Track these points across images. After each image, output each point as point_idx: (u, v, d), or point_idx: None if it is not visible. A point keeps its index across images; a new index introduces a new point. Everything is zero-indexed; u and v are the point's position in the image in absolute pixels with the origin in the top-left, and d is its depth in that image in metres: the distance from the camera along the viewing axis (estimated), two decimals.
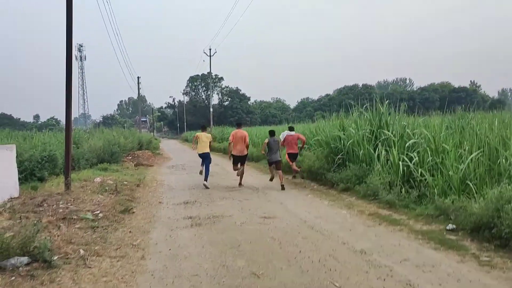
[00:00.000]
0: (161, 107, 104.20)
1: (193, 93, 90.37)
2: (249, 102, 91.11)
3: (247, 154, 10.60)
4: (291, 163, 10.97)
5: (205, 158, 10.42)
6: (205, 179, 10.12)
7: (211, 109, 35.01)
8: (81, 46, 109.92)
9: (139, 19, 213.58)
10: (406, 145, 8.23)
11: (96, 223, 5.76)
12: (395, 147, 8.23)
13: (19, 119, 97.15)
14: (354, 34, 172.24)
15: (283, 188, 9.52)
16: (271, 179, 10.29)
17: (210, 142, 10.58)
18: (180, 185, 10.67)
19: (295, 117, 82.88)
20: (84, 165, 12.61)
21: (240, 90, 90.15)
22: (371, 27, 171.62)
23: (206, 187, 9.97)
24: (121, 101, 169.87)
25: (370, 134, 9.38)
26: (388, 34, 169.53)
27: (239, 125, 11.00)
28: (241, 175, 10.41)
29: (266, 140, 10.26)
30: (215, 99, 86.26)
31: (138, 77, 42.62)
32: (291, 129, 11.61)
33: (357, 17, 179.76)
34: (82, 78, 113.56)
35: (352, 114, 10.66)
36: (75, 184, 8.63)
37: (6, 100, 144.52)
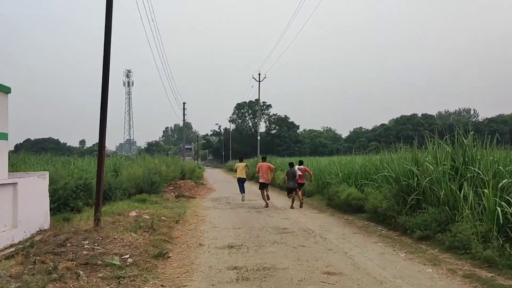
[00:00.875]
0: (207, 135, 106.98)
1: (240, 121, 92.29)
2: (297, 131, 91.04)
3: (270, 181, 14.72)
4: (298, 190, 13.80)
5: (242, 182, 15.37)
6: (242, 192, 15.10)
7: (259, 137, 34.40)
8: (129, 72, 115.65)
9: (186, 46, 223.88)
10: (500, 185, 7.05)
11: (123, 271, 5.10)
12: (487, 188, 7.04)
13: (66, 143, 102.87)
14: (411, 62, 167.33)
15: (301, 205, 13.28)
16: (292, 207, 13.26)
17: (246, 170, 15.64)
18: (224, 222, 10.15)
19: (347, 147, 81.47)
20: (120, 195, 12.23)
21: (289, 118, 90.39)
22: (429, 53, 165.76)
23: (243, 200, 14.82)
24: (166, 128, 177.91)
25: (452, 170, 8.30)
26: (446, 62, 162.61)
27: (264, 158, 15.67)
28: (267, 197, 14.13)
29: (285, 173, 14.08)
30: (262, 127, 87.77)
31: (183, 103, 43.62)
32: (301, 163, 15.34)
33: (412, 43, 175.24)
34: (129, 103, 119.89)
35: (413, 146, 10.08)
36: (106, 219, 8.12)
37: (55, 125, 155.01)
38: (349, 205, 11.39)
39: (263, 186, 14.52)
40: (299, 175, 14.07)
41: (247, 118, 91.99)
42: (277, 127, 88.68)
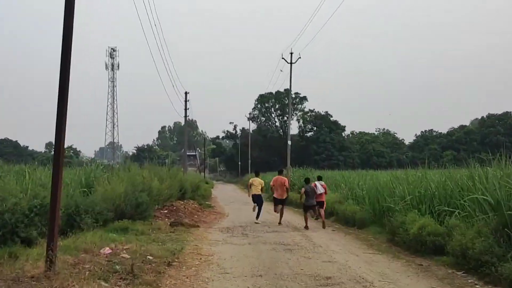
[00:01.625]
0: (217, 137, 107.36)
1: (263, 119, 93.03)
2: (343, 134, 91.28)
3: (287, 197, 19.09)
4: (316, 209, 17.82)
5: (258, 200, 18.97)
6: (257, 217, 18.44)
7: (289, 142, 34.15)
8: (114, 51, 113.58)
9: (190, 27, 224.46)
10: None
11: None
12: None
13: (27, 147, 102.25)
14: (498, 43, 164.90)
15: (323, 226, 16.97)
16: (316, 218, 17.97)
17: (262, 186, 19.39)
18: (238, 265, 9.72)
19: (412, 157, 79.98)
20: (92, 223, 12.02)
21: (331, 116, 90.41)
22: None
23: (256, 222, 18.05)
24: (163, 128, 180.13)
25: None
26: None
27: (280, 172, 20.05)
28: (280, 214, 18.49)
29: (303, 190, 17.85)
30: (293, 128, 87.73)
31: (185, 93, 43.46)
32: (319, 178, 19.72)
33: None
34: (113, 94, 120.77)
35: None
36: (66, 259, 7.71)
37: (12, 124, 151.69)
38: (422, 244, 11.04)
39: (277, 202, 18.75)
40: (319, 193, 17.89)
41: (273, 115, 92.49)
42: (315, 128, 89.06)
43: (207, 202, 27.81)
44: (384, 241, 13.29)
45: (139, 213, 15.00)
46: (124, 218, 14.06)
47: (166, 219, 17.10)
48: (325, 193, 18.44)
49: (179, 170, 33.09)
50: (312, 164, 53.52)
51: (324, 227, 16.81)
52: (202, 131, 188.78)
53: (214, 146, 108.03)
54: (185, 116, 43.76)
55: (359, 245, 12.85)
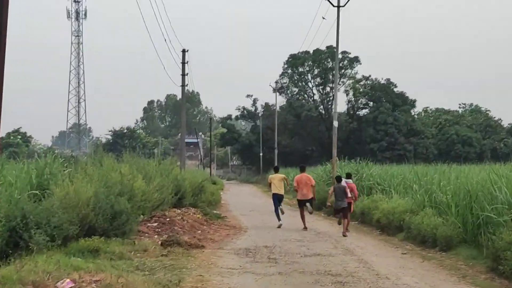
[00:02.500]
0: (229, 118, 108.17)
1: (295, 90, 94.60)
2: (412, 112, 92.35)
3: (313, 197, 23.19)
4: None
5: (279, 200, 23.60)
6: (279, 216, 23.27)
7: (335, 123, 34.09)
8: None
9: None
10: None
11: None
12: None
13: None
14: None
15: (344, 235, 20.21)
16: (339, 223, 21.65)
17: (284, 183, 23.89)
18: None
19: None
20: (45, 241, 11.92)
21: (395, 86, 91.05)
22: None
23: (279, 225, 22.89)
24: (150, 104, 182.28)
25: None
26: None
27: (302, 168, 24.26)
28: (303, 219, 22.84)
29: (332, 189, 21.85)
30: (340, 103, 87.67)
31: (183, 52, 43.23)
32: (348, 176, 23.94)
33: None
34: (78, 57, 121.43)
35: None
36: None
37: None
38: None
39: (302, 204, 23.01)
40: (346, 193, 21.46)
41: (309, 84, 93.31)
42: (371, 104, 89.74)
43: (215, 211, 28.31)
44: (482, 271, 13.26)
45: (116, 228, 15.07)
46: (94, 235, 14.03)
47: (156, 236, 17.26)
48: (355, 197, 23.05)
49: (175, 165, 33.06)
50: (367, 155, 52.90)
51: (345, 233, 20.57)
52: (207, 108, 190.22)
53: (225, 130, 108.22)
54: (183, 86, 43.50)
55: (444, 277, 12.83)
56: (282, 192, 23.56)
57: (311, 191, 22.83)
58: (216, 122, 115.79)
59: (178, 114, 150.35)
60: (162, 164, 27.72)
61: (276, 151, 76.12)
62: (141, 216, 18.80)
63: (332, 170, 33.34)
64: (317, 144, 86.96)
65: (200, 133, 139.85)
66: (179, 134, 61.61)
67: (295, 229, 22.20)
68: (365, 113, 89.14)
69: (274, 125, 79.82)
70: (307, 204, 22.72)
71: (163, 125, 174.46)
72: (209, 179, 49.29)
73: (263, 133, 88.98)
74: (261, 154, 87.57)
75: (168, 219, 20.28)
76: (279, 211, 23.44)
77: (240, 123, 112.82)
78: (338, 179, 21.82)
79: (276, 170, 25.56)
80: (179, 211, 22.90)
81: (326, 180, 35.59)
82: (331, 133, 36.22)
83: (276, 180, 23.68)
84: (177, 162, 40.62)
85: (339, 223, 21.67)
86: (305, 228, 22.19)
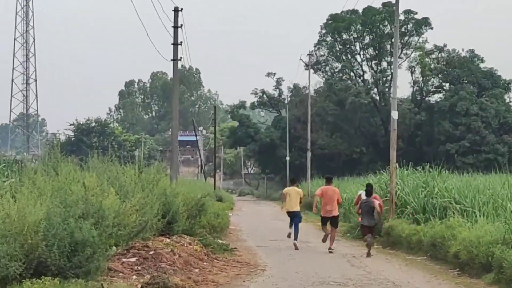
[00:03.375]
0: (242, 105, 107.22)
1: (337, 65, 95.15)
2: (507, 98, 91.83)
3: (338, 215, 28.56)
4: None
5: (294, 217, 28.04)
6: (295, 239, 27.86)
7: (394, 114, 33.73)
8: None
9: None
10: None
11: None
12: None
13: None
14: None
15: (368, 255, 25.38)
16: (367, 244, 26.06)
17: (300, 199, 28.27)
18: None
19: None
20: None
21: (481, 60, 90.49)
22: None
23: (296, 248, 27.47)
24: (129, 85, 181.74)
25: None
26: None
27: (329, 180, 29.05)
28: (331, 239, 27.35)
29: (358, 207, 27.09)
30: (402, 84, 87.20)
31: (175, 11, 43.00)
32: (369, 189, 27.35)
33: None
34: (25, 17, 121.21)
35: None
36: None
37: None
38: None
39: (325, 221, 27.80)
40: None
41: (358, 58, 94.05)
42: (447, 86, 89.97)
43: (220, 241, 28.40)
44: None
45: (76, 265, 14.85)
46: (46, 275, 13.94)
47: (134, 277, 17.32)
48: (380, 211, 27.21)
49: (163, 173, 32.99)
50: (441, 160, 52.19)
51: (369, 254, 25.63)
52: (210, 92, 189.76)
53: (236, 124, 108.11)
54: (175, 60, 43.19)
55: None
56: (298, 208, 28.42)
57: (336, 208, 27.68)
58: (223, 112, 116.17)
59: (168, 100, 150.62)
60: (144, 173, 27.60)
61: (309, 154, 75.73)
62: (114, 247, 18.58)
63: (389, 181, 33.24)
64: (369, 143, 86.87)
65: (201, 128, 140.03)
66: (170, 130, 61.55)
67: (333, 261, 23.43)
68: (438, 100, 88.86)
69: (306, 117, 79.36)
70: (332, 228, 27.85)
71: (147, 116, 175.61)
72: (212, 194, 49.22)
73: (290, 128, 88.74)
74: (287, 158, 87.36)
75: (152, 252, 19.97)
76: (293, 235, 28.43)
77: (258, 113, 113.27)
78: (368, 192, 26.84)
79: (293, 182, 30.53)
80: (168, 240, 22.62)
81: (381, 196, 35.05)
82: (388, 128, 35.97)
83: (293, 194, 28.24)
84: (167, 169, 40.47)
85: (367, 244, 26.15)
86: (331, 250, 26.97)
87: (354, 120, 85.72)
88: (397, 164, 34.27)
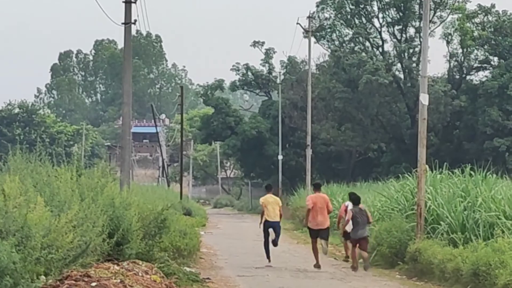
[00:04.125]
0: (218, 85, 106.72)
1: (347, 33, 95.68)
2: None
3: (329, 226, 32.83)
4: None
5: (274, 228, 32.81)
6: (268, 256, 33.52)
7: (424, 98, 33.84)
8: None
9: None
10: None
11: None
12: None
13: None
14: None
15: (365, 268, 31.00)
16: (353, 267, 31.19)
17: (279, 208, 33.27)
18: None
19: None
20: None
21: None
22: None
23: (269, 265, 33.29)
24: (64, 57, 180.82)
25: None
26: None
27: (317, 187, 34.04)
28: (316, 253, 31.79)
29: (351, 214, 31.45)
30: (435, 61, 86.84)
31: None
32: (354, 200, 32.45)
33: None
34: None
35: None
36: None
37: None
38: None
39: (315, 234, 31.29)
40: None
41: (375, 23, 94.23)
42: (497, 61, 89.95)
43: (188, 268, 28.56)
44: None
45: None
46: None
47: None
48: (368, 221, 31.86)
49: (111, 176, 32.87)
50: (486, 161, 52.48)
51: (367, 268, 29.97)
52: (176, 68, 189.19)
53: (211, 110, 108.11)
54: (127, 23, 43.31)
55: None
56: (277, 219, 32.32)
57: (327, 218, 31.57)
58: (193, 94, 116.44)
59: (118, 78, 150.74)
60: (85, 177, 27.40)
61: (309, 152, 75.77)
62: (43, 277, 18.10)
63: (417, 189, 32.72)
64: (390, 138, 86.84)
65: (163, 117, 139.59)
66: (121, 119, 61.35)
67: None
68: (484, 79, 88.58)
69: (305, 102, 79.40)
70: (322, 242, 31.46)
71: (90, 99, 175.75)
72: (178, 205, 49.22)
73: (284, 117, 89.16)
74: (280, 157, 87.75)
75: (94, 284, 19.50)
76: (270, 243, 32.60)
77: (241, 96, 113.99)
78: (355, 199, 31.25)
79: (269, 189, 34.44)
80: (116, 268, 21.91)
81: (406, 208, 35.57)
82: (416, 117, 35.89)
83: (271, 203, 31.80)
84: (116, 171, 40.41)
85: (346, 259, 32.65)
86: (318, 265, 31.04)
87: (371, 107, 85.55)
88: (427, 166, 34.04)
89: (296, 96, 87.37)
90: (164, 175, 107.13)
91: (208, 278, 27.12)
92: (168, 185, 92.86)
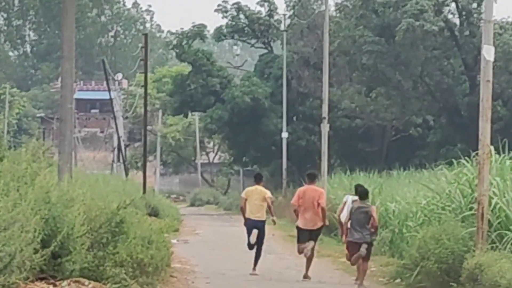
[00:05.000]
0: (197, 33, 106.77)
1: None
2: None
3: (322, 227, 35.89)
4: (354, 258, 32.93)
5: (256, 229, 35.44)
6: (255, 265, 36.64)
7: (489, 55, 33.99)
8: None
9: None
10: None
11: None
12: None
13: None
14: None
15: (361, 282, 32.88)
16: (357, 279, 33.66)
17: (268, 203, 35.98)
18: None
19: None
20: None
21: None
22: None
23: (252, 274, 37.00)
24: None
25: None
26: None
27: (311, 177, 37.64)
28: (309, 259, 34.40)
29: (348, 216, 34.00)
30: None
31: None
32: (362, 193, 33.37)
33: None
34: None
35: None
36: None
37: None
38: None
39: (304, 237, 33.28)
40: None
41: None
42: None
43: None
44: None
45: None
46: None
47: None
48: (375, 227, 32.74)
49: (45, 160, 33.04)
50: None
51: (361, 283, 31.37)
52: (137, 8, 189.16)
53: (187, 68, 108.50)
54: None
55: None
56: (262, 217, 34.41)
57: (320, 217, 33.54)
58: (163, 46, 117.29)
59: (56, 22, 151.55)
60: (9, 161, 27.77)
61: (325, 128, 76.04)
62: None
63: (478, 180, 32.02)
64: (439, 109, 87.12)
65: (119, 77, 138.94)
66: (59, 80, 61.80)
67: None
68: None
69: (320, 56, 79.71)
70: (307, 244, 33.05)
71: (16, 52, 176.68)
72: (140, 202, 49.39)
73: (290, 78, 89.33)
74: (284, 134, 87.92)
75: None
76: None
77: (230, 49, 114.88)
78: (362, 194, 32.08)
79: (258, 180, 35.84)
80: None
81: (462, 208, 35.17)
82: (477, 78, 35.72)
83: (254, 197, 33.36)
84: (53, 154, 40.62)
85: (353, 263, 32.37)
86: (307, 276, 33.79)
87: (413, 64, 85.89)
88: (492, 148, 34.13)
89: (308, 48, 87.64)
90: (121, 160, 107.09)
91: None
92: (127, 174, 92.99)
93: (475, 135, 33.57)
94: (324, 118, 74.29)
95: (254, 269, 33.46)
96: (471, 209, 32.22)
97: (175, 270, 36.91)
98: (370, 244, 30.78)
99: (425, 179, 45.31)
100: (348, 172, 68.85)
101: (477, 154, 33.03)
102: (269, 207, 33.55)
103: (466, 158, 37.43)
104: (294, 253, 43.14)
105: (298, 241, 31.91)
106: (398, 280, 35.13)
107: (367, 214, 29.42)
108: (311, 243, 31.77)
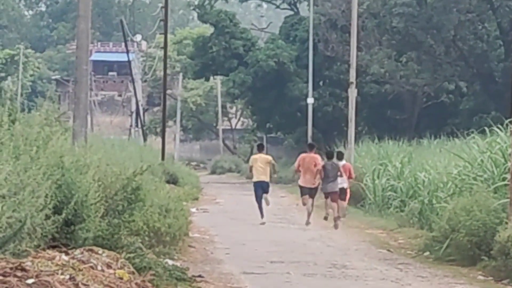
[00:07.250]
0: None
1: None
2: None
3: (318, 184, 51.92)
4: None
5: (263, 189, 50.88)
6: (262, 215, 51.71)
7: None
8: None
9: None
10: None
11: None
12: None
13: None
14: None
15: (335, 227, 49.83)
16: (325, 218, 52.05)
17: (271, 167, 50.46)
18: None
19: None
20: None
21: None
22: None
23: (262, 223, 51.99)
24: None
25: None
26: None
27: (310, 147, 55.14)
28: (309, 213, 51.88)
29: (321, 164, 52.49)
30: None
31: None
32: (340, 156, 55.79)
33: None
34: None
35: None
36: None
37: None
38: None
39: (305, 192, 48.90)
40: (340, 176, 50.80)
41: None
42: None
43: (171, 261, 27.82)
44: None
45: None
46: None
47: None
48: (350, 177, 47.74)
49: (59, 124, 32.90)
50: None
51: (336, 227, 44.25)
52: None
53: (208, 30, 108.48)
54: None
55: None
56: (266, 179, 41.56)
57: (314, 178, 40.97)
58: (184, 5, 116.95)
59: None
60: (22, 124, 27.54)
61: (353, 93, 75.92)
62: None
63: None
64: (473, 75, 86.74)
65: (138, 38, 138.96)
66: (75, 41, 61.35)
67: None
68: None
69: (348, 19, 79.62)
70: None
71: (30, 12, 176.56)
72: (158, 169, 49.45)
73: (317, 42, 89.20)
74: (310, 100, 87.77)
75: (31, 281, 19.74)
76: (263, 202, 41.06)
77: (255, 10, 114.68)
78: (329, 155, 39.59)
79: (261, 149, 43.57)
80: (65, 258, 20.95)
81: (494, 178, 35.41)
82: (511, 43, 35.57)
83: (259, 163, 40.58)
84: (68, 118, 40.43)
85: (325, 218, 39.13)
86: (308, 222, 40.47)
87: (445, 28, 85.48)
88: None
89: (335, 10, 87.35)
90: (139, 125, 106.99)
91: (200, 276, 26.06)
92: (145, 140, 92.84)
93: (510, 102, 33.68)
94: (352, 83, 74.25)
95: (262, 217, 42.11)
96: (504, 179, 32.03)
97: (193, 240, 37.23)
98: (336, 193, 40.21)
99: (457, 148, 45.30)
100: (376, 140, 68.90)
101: (511, 122, 33.05)
102: (273, 165, 42.80)
103: (500, 126, 37.43)
104: (319, 223, 47.57)
105: (302, 195, 43.97)
106: (427, 253, 34.80)
107: (334, 168, 39.98)
108: (311, 200, 44.52)
